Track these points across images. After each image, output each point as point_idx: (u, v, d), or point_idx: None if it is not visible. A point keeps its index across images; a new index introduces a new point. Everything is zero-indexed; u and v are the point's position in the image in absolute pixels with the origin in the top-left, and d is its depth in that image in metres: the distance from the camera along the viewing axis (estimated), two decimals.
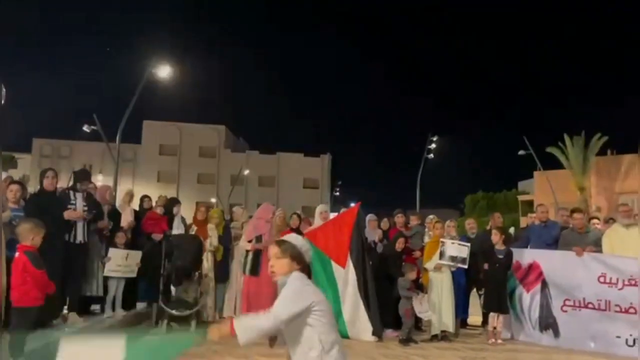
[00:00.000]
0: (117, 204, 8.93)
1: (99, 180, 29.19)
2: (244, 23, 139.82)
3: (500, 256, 7.45)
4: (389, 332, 7.44)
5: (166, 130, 57.98)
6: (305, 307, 2.78)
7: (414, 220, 9.11)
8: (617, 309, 6.84)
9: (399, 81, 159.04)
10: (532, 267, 7.67)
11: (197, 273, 7.46)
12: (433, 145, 34.42)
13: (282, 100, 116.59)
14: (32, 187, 9.04)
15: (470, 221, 9.30)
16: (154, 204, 9.39)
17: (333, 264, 7.41)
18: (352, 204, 9.11)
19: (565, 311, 7.30)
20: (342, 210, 9.30)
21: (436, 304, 7.38)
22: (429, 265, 7.63)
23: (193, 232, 8.09)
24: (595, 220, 9.25)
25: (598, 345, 6.94)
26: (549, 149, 35.29)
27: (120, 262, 7.60)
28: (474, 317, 8.60)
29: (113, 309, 7.64)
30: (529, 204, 36.96)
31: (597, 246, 7.34)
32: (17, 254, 4.59)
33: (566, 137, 35.23)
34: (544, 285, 7.52)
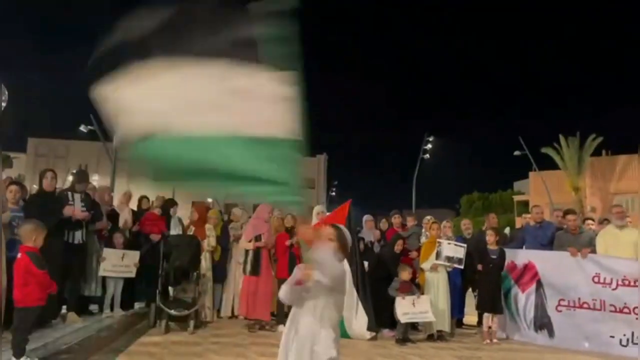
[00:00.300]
0: (115, 204, 8.96)
1: (95, 180, 29.11)
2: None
3: (494, 256, 7.54)
4: (385, 332, 7.49)
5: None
6: (342, 285, 2.96)
7: (410, 221, 9.17)
8: (612, 308, 6.93)
9: (396, 81, 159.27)
10: (527, 267, 7.75)
11: (195, 273, 7.49)
12: (429, 146, 34.48)
13: None
14: (27, 187, 9.03)
15: (465, 221, 9.37)
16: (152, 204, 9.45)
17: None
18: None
19: (560, 311, 7.38)
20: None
21: (432, 304, 7.44)
22: (426, 265, 7.70)
23: (191, 233, 8.14)
24: (589, 221, 9.35)
25: (592, 345, 7.02)
26: (544, 150, 35.48)
27: (115, 262, 7.64)
28: (470, 316, 8.67)
29: (111, 308, 7.69)
30: (525, 204, 37.15)
31: (590, 246, 7.43)
32: (19, 255, 4.63)
33: (561, 138, 35.43)
34: (539, 285, 7.60)
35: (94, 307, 8.00)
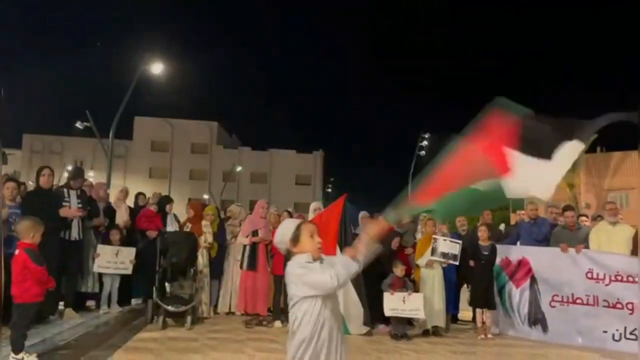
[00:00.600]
0: (111, 200, 8.98)
1: (91, 176, 29.06)
2: (237, 20, 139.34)
3: (486, 253, 7.63)
4: (381, 327, 7.55)
5: (158, 126, 57.76)
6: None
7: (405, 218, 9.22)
8: (605, 304, 7.00)
9: (392, 78, 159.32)
10: (521, 263, 7.83)
11: (192, 270, 7.53)
12: (425, 143, 34.58)
13: (274, 96, 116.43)
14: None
15: (460, 218, 9.40)
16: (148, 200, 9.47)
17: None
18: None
19: (554, 307, 7.46)
20: None
21: (427, 300, 7.50)
22: (421, 261, 7.76)
23: (188, 229, 8.17)
24: (583, 218, 9.43)
25: (585, 339, 7.10)
26: None
27: (110, 259, 7.66)
28: (465, 312, 8.74)
29: (108, 305, 7.71)
30: (520, 201, 37.24)
31: (585, 242, 7.51)
32: (17, 252, 4.65)
33: None
34: (533, 281, 7.68)
35: (91, 304, 8.03)
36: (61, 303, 7.17)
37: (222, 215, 9.62)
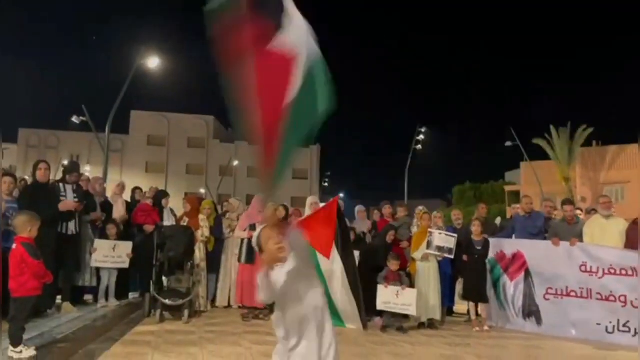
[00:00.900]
0: (108, 195, 8.98)
1: (87, 170, 29.03)
2: None
3: (479, 247, 7.70)
4: (377, 320, 7.60)
5: (154, 120, 57.65)
6: (308, 257, 2.99)
7: (401, 212, 9.28)
8: (598, 296, 7.08)
9: (388, 72, 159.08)
10: (516, 256, 7.90)
11: (189, 263, 7.56)
12: (421, 137, 34.64)
13: None
14: (19, 178, 9.03)
15: (456, 212, 9.48)
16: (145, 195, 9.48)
17: (318, 254, 7.49)
18: (341, 195, 9.24)
19: (548, 299, 7.53)
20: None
21: (423, 293, 7.57)
22: (417, 255, 7.82)
23: (185, 223, 8.19)
24: (578, 212, 9.49)
25: (579, 332, 7.19)
26: (535, 140, 35.72)
27: (107, 253, 7.67)
28: (460, 305, 8.81)
29: (106, 298, 7.74)
30: (516, 195, 37.39)
31: (579, 236, 7.57)
32: (14, 246, 4.67)
33: (552, 129, 35.64)
34: (528, 274, 7.75)
35: (88, 298, 8.05)
36: (58, 297, 7.20)
37: (220, 210, 9.65)
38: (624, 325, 6.84)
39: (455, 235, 7.93)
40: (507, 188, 45.51)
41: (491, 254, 7.92)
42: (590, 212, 8.95)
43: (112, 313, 7.20)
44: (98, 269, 7.73)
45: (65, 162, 9.68)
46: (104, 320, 6.72)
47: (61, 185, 7.19)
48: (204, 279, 8.24)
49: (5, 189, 6.37)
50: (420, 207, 8.96)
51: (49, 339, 5.25)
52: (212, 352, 5.55)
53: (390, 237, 8.06)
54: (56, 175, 11.42)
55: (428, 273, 7.70)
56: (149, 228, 8.26)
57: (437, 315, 7.68)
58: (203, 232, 8.23)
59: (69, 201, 7.01)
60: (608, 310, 6.98)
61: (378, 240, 8.32)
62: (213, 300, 8.58)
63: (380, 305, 7.24)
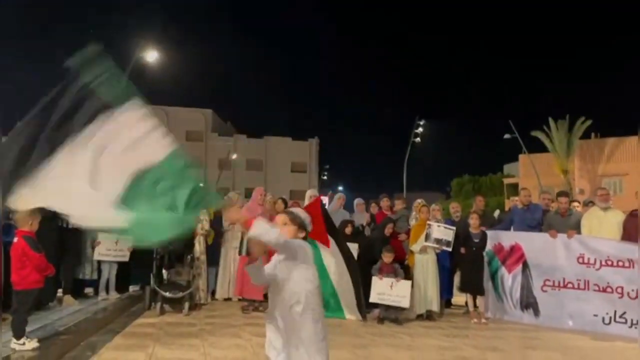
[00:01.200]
0: None
1: None
2: (232, 7, 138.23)
3: (476, 240, 7.75)
4: (376, 312, 7.66)
5: (152, 114, 57.45)
6: (302, 255, 2.99)
7: (399, 205, 9.30)
8: (596, 288, 7.14)
9: (387, 65, 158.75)
10: (514, 248, 7.94)
11: (189, 256, 7.61)
12: (420, 129, 34.65)
13: (269, 84, 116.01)
14: None
15: (454, 205, 9.51)
16: None
17: (319, 244, 7.50)
18: (340, 188, 9.29)
19: (545, 291, 7.59)
20: (329, 193, 9.45)
21: (421, 285, 7.63)
22: (415, 247, 7.86)
23: None
24: (575, 204, 9.53)
25: (576, 323, 7.25)
26: (534, 133, 35.70)
27: (110, 247, 7.71)
28: (458, 297, 8.86)
29: (107, 291, 7.79)
30: (515, 187, 37.47)
31: (577, 228, 7.62)
32: (16, 239, 4.71)
33: (551, 121, 35.64)
34: (525, 266, 7.80)
35: (89, 290, 8.10)
36: (60, 290, 7.25)
37: None
38: (621, 317, 6.90)
39: (454, 227, 7.98)
40: (506, 180, 45.60)
41: (489, 246, 7.97)
42: (588, 204, 8.99)
43: (112, 306, 7.25)
44: (99, 262, 7.78)
45: None
46: (105, 313, 6.77)
47: None
48: (204, 271, 8.29)
49: None
50: (419, 200, 9.00)
51: (51, 331, 5.30)
52: (212, 344, 5.60)
53: (388, 229, 8.11)
54: None
55: (426, 265, 7.75)
56: None
57: (436, 307, 7.73)
58: (203, 225, 8.27)
59: None
60: (605, 301, 7.04)
61: (376, 233, 8.36)
62: (213, 293, 8.64)
63: (374, 297, 7.29)
